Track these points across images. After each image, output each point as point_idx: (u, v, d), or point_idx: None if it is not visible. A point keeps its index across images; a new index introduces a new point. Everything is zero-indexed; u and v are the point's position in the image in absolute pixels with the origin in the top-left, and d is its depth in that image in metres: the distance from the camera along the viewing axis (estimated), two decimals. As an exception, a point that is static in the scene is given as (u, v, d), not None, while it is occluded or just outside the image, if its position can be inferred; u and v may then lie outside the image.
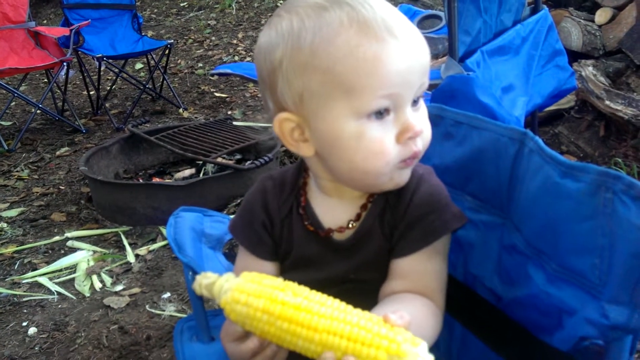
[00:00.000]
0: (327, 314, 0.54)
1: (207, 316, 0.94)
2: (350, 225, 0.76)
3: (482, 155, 0.83)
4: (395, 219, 0.74)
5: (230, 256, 1.03)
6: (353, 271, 0.76)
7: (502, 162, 0.78)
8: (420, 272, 0.72)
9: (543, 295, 0.68)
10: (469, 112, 0.88)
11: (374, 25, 0.64)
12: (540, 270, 0.68)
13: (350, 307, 0.57)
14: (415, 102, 0.70)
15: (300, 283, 0.71)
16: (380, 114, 0.66)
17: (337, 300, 0.57)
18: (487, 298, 0.82)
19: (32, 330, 1.85)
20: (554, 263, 0.65)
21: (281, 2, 6.65)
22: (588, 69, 2.75)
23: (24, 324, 1.89)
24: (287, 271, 0.79)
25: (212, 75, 1.84)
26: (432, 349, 0.84)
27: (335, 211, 0.77)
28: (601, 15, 3.01)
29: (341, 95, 0.66)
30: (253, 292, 0.58)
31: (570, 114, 2.95)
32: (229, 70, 1.60)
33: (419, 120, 0.70)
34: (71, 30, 3.83)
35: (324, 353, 0.54)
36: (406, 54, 0.65)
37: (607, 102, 2.61)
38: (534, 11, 1.73)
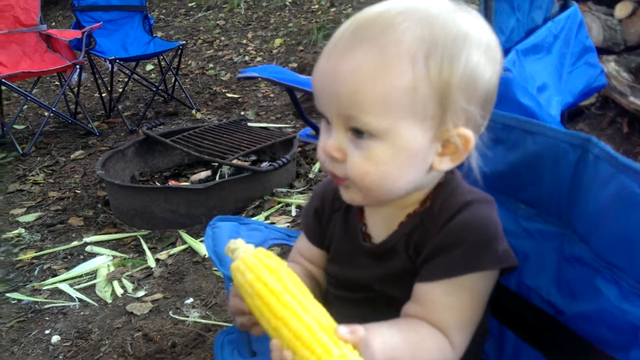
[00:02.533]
0: (290, 306, 0.57)
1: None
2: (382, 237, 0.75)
3: (537, 161, 0.79)
4: (423, 241, 0.70)
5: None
6: (377, 282, 0.75)
7: (561, 169, 0.75)
8: (435, 304, 0.67)
9: (616, 311, 0.64)
10: (520, 115, 0.84)
11: (333, 40, 0.66)
12: (613, 285, 0.65)
13: (318, 308, 0.58)
14: (356, 133, 0.63)
15: (334, 277, 0.81)
16: (327, 121, 0.67)
17: (311, 298, 0.60)
18: (545, 310, 0.79)
19: (55, 338, 1.83)
20: (630, 278, 0.62)
21: (289, 1, 6.62)
22: (610, 65, 2.70)
23: (47, 332, 1.87)
24: (329, 262, 0.83)
25: (239, 79, 1.81)
26: (480, 359, 0.82)
27: (379, 219, 0.77)
28: (621, 10, 2.95)
29: None
30: (250, 265, 0.63)
31: (591, 111, 2.90)
32: (255, 74, 1.57)
33: (345, 147, 0.64)
34: (83, 32, 3.82)
35: (273, 339, 0.58)
36: (322, 75, 0.65)
37: (631, 99, 2.56)
38: (563, 7, 1.69)
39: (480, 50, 0.64)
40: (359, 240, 0.77)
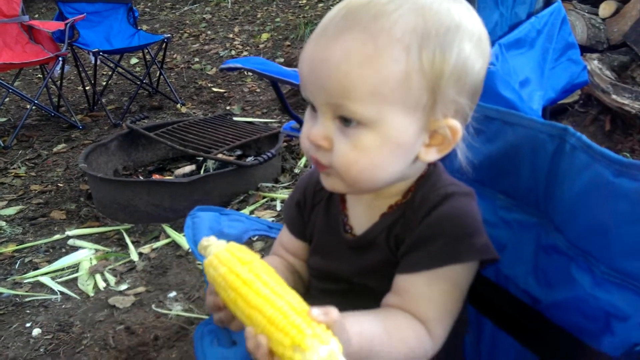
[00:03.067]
0: (262, 294, 0.58)
1: (228, 320, 0.91)
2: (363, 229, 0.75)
3: (516, 152, 0.80)
4: (404, 233, 0.70)
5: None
6: (357, 274, 0.75)
7: (539, 159, 0.75)
8: (415, 295, 0.67)
9: (589, 298, 0.65)
10: (501, 107, 0.85)
11: (321, 24, 0.65)
12: (587, 273, 0.66)
13: (291, 294, 0.59)
14: (343, 121, 0.62)
15: (316, 270, 0.82)
16: (313, 108, 0.66)
17: (284, 285, 0.60)
18: (522, 299, 0.80)
19: (36, 331, 1.81)
20: (604, 265, 0.63)
21: (277, -5, 6.60)
22: (593, 63, 2.73)
23: (28, 324, 1.85)
24: (311, 254, 0.83)
25: (222, 70, 1.80)
26: (460, 350, 0.83)
27: (361, 210, 0.77)
28: (605, 9, 2.99)
29: None
30: (223, 259, 0.63)
31: (574, 108, 2.94)
32: (239, 65, 1.56)
33: (332, 135, 0.63)
34: (66, 24, 3.76)
35: (247, 327, 0.58)
36: (310, 61, 0.63)
37: (614, 96, 2.59)
38: (547, 3, 1.70)
39: (472, 41, 0.63)
40: (340, 232, 0.77)
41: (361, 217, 0.76)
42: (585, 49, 2.92)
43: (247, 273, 0.60)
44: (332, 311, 0.56)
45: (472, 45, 0.64)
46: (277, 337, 0.54)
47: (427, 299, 0.67)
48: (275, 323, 0.55)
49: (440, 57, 0.61)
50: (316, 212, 0.81)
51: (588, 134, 2.80)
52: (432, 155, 0.67)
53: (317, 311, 0.55)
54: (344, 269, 0.76)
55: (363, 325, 0.63)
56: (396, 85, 0.60)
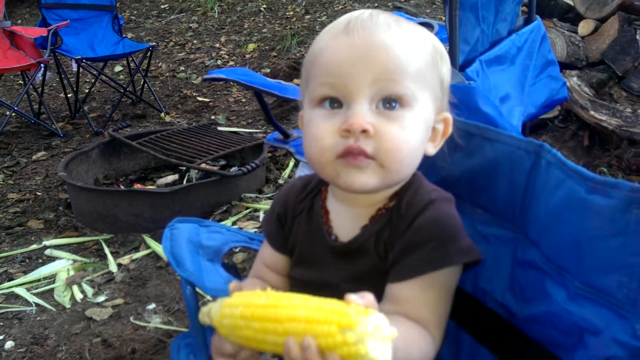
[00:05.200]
0: (288, 305, 0.57)
1: (205, 333, 0.90)
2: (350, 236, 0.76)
3: (494, 167, 0.81)
4: (392, 240, 0.71)
5: (229, 267, 0.99)
6: (346, 281, 0.74)
7: (516, 175, 0.76)
8: (412, 301, 0.68)
9: (563, 313, 0.66)
10: (480, 123, 0.86)
11: (342, 25, 0.70)
12: (561, 288, 0.66)
13: (316, 297, 0.58)
14: (386, 105, 0.67)
15: (298, 281, 0.80)
16: (331, 103, 0.69)
17: (304, 295, 0.59)
18: (499, 313, 0.80)
19: (9, 344, 1.76)
20: (577, 280, 0.64)
21: (264, 7, 6.63)
22: (573, 79, 2.79)
23: (0, 337, 1.80)
24: (293, 266, 0.83)
25: (205, 80, 1.80)
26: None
27: (344, 219, 0.77)
28: (584, 27, 3.06)
29: (304, 86, 0.75)
30: (234, 303, 0.62)
31: (554, 124, 2.99)
32: (222, 76, 1.56)
33: (373, 121, 0.65)
34: (49, 30, 3.72)
35: (286, 339, 0.55)
36: (350, 48, 0.67)
37: (592, 112, 2.65)
38: (527, 21, 1.74)
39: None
40: (325, 240, 0.77)
41: (345, 225, 0.77)
42: (564, 66, 2.98)
43: (265, 299, 0.59)
44: (367, 294, 0.56)
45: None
46: (322, 330, 0.52)
47: (425, 304, 0.68)
48: (315, 320, 0.53)
49: (440, 52, 0.74)
50: (297, 222, 0.82)
51: (568, 149, 2.85)
52: (431, 148, 0.76)
53: (353, 295, 0.55)
54: (331, 277, 0.75)
55: None
56: (429, 73, 0.71)
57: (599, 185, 0.60)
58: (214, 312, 0.65)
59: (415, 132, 0.69)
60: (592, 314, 0.62)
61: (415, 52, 0.69)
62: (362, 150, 0.66)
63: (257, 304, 0.59)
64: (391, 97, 0.67)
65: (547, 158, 0.71)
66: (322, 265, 0.77)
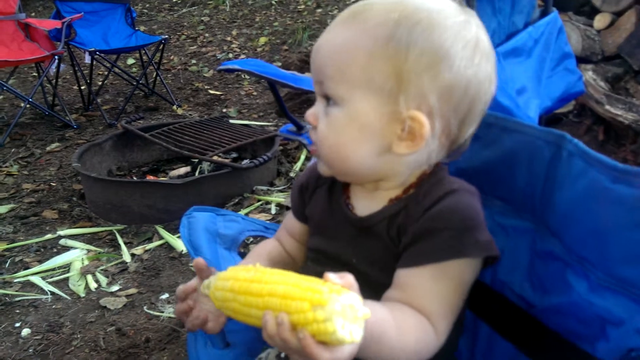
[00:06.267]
0: (271, 280, 0.57)
1: (222, 321, 0.91)
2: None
3: (513, 158, 0.80)
4: (406, 224, 0.70)
5: (246, 256, 0.99)
6: (355, 257, 0.75)
7: (536, 166, 0.76)
8: (419, 289, 0.66)
9: (585, 304, 0.65)
10: (499, 113, 0.85)
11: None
12: (583, 278, 0.66)
13: (298, 275, 0.58)
14: (328, 102, 0.70)
15: (315, 251, 0.82)
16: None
17: (291, 272, 0.59)
18: (517, 304, 0.80)
19: (25, 331, 1.79)
20: (599, 271, 0.63)
21: (275, 0, 6.61)
22: (588, 74, 2.76)
23: (17, 324, 1.83)
24: (311, 236, 0.84)
25: (219, 71, 1.80)
26: (454, 353, 0.83)
27: (363, 197, 0.78)
28: (600, 21, 3.02)
29: None
30: (227, 276, 0.63)
31: (568, 118, 2.96)
32: (237, 67, 1.56)
33: (320, 116, 0.70)
34: (63, 23, 3.75)
35: (263, 314, 0.56)
36: (317, 46, 0.71)
37: (607, 107, 2.62)
38: (544, 14, 1.71)
39: (454, 41, 0.65)
40: (342, 211, 0.77)
41: (363, 203, 0.77)
42: (580, 60, 2.94)
43: (253, 273, 0.60)
44: (348, 274, 0.56)
45: (454, 43, 0.65)
46: (296, 307, 0.52)
47: (431, 294, 0.66)
48: (290, 296, 0.53)
49: (406, 45, 0.65)
50: (318, 193, 0.83)
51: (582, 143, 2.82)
52: (403, 148, 0.68)
53: (332, 274, 0.55)
54: (345, 250, 0.76)
55: (375, 310, 0.61)
56: (361, 68, 0.66)
57: (623, 175, 0.59)
58: (211, 284, 0.67)
59: (340, 129, 0.68)
60: (615, 305, 0.61)
61: (340, 52, 0.67)
62: (312, 140, 0.74)
63: (244, 278, 0.60)
64: (326, 95, 0.70)
65: (568, 148, 0.70)
66: (336, 237, 0.77)
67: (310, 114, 0.72)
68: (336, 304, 0.50)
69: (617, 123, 2.60)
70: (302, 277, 0.56)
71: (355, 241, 0.75)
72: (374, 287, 0.68)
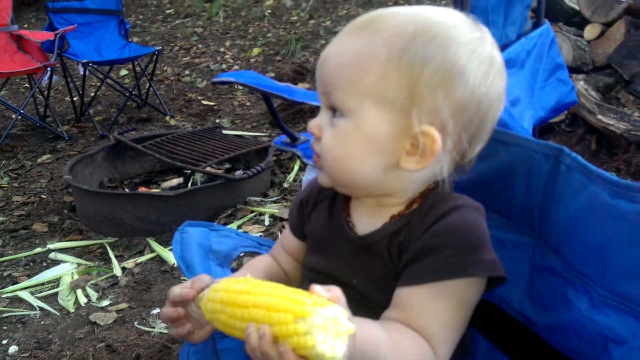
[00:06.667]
0: (258, 292, 0.56)
1: (215, 340, 0.88)
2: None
3: (510, 171, 0.79)
4: (408, 242, 0.68)
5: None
6: (355, 277, 0.72)
7: (533, 180, 0.75)
8: (417, 309, 0.64)
9: (586, 321, 0.64)
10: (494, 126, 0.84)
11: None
12: (584, 295, 0.65)
13: (286, 287, 0.56)
14: (334, 113, 0.68)
15: (312, 270, 0.80)
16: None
17: (281, 285, 0.58)
18: (517, 320, 0.78)
19: (12, 348, 1.74)
20: (601, 288, 0.62)
21: (268, 12, 6.64)
22: (580, 84, 2.77)
23: (4, 342, 1.78)
24: (308, 254, 0.83)
25: (214, 83, 1.79)
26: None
27: (364, 214, 0.76)
28: (590, 31, 3.05)
29: None
30: (218, 288, 0.61)
31: (561, 128, 2.98)
32: (232, 79, 1.55)
33: (324, 127, 0.69)
34: (56, 34, 3.73)
35: (247, 326, 0.54)
36: (324, 55, 0.70)
37: (599, 117, 2.63)
38: (536, 25, 1.72)
39: (469, 57, 0.65)
40: (343, 229, 0.75)
41: (364, 220, 0.75)
42: (571, 70, 2.96)
43: (244, 284, 0.59)
44: (335, 288, 0.54)
45: (469, 60, 0.65)
46: (278, 318, 0.51)
47: (432, 314, 0.63)
48: (274, 307, 0.52)
49: (421, 60, 0.63)
50: (318, 210, 0.82)
51: (574, 153, 2.83)
52: (411, 163, 0.67)
53: (319, 287, 0.53)
54: (344, 269, 0.73)
55: (369, 329, 0.59)
56: (374, 80, 0.64)
57: (624, 190, 0.58)
58: (204, 296, 0.65)
59: (347, 141, 0.67)
60: (617, 323, 0.60)
61: (351, 63, 0.65)
62: (315, 152, 0.72)
63: (234, 290, 0.59)
64: (333, 106, 0.68)
65: (566, 162, 0.70)
66: (336, 256, 0.75)
67: (313, 124, 0.71)
68: (318, 317, 0.49)
69: (609, 132, 2.62)
70: (290, 289, 0.55)
71: (355, 261, 0.73)
72: (374, 309, 0.66)
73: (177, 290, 0.70)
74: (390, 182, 0.69)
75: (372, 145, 0.66)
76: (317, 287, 0.53)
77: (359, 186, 0.70)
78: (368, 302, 0.71)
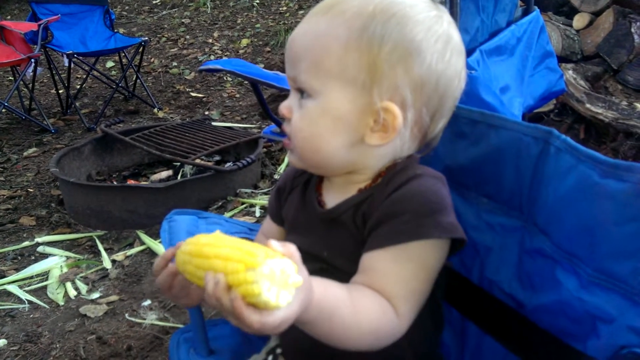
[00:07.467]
0: (219, 244, 0.58)
1: (205, 327, 0.88)
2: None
3: (500, 155, 0.79)
4: (370, 211, 0.71)
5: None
6: (326, 249, 0.75)
7: (523, 162, 0.75)
8: (380, 272, 0.66)
9: (575, 301, 0.64)
10: (485, 110, 0.84)
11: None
12: (572, 275, 0.65)
13: (246, 241, 0.58)
14: (302, 94, 0.70)
15: None
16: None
17: (245, 240, 0.59)
18: (507, 303, 0.78)
19: (1, 342, 1.72)
20: (589, 268, 0.62)
21: (257, 2, 6.58)
22: (568, 73, 2.79)
23: (-8, 335, 1.77)
24: (287, 235, 0.85)
25: (201, 71, 1.78)
26: (438, 351, 0.82)
27: (334, 190, 0.78)
28: (579, 20, 3.06)
29: None
30: (189, 241, 0.63)
31: (549, 117, 2.99)
32: (219, 66, 1.53)
33: (294, 108, 0.71)
34: (39, 25, 3.67)
35: (205, 274, 0.56)
36: (291, 38, 0.72)
37: (588, 106, 2.65)
38: (526, 12, 1.72)
39: (426, 35, 0.67)
40: (314, 207, 0.78)
41: (333, 197, 0.77)
42: (560, 59, 2.97)
43: (209, 238, 0.60)
44: (291, 245, 0.56)
45: (425, 37, 0.67)
46: (232, 268, 0.53)
47: (393, 276, 0.66)
48: (230, 258, 0.54)
49: (380, 37, 0.66)
50: (293, 194, 0.84)
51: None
52: (375, 139, 0.70)
53: (275, 242, 0.55)
54: (315, 244, 0.75)
55: (328, 287, 0.62)
56: (335, 60, 0.67)
57: (613, 169, 0.58)
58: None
59: (314, 121, 0.69)
60: (605, 302, 0.61)
61: (314, 44, 0.68)
62: (286, 133, 0.74)
63: (202, 243, 0.61)
64: (300, 88, 0.70)
65: (556, 144, 0.69)
66: (309, 233, 0.77)
67: (284, 106, 0.73)
68: (265, 267, 0.51)
69: (598, 121, 2.64)
70: (251, 243, 0.57)
71: (325, 234, 0.75)
72: (346, 279, 0.68)
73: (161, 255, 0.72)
74: (357, 159, 0.72)
75: (338, 124, 0.69)
76: (273, 242, 0.55)
77: (328, 164, 0.73)
78: (338, 273, 0.72)
